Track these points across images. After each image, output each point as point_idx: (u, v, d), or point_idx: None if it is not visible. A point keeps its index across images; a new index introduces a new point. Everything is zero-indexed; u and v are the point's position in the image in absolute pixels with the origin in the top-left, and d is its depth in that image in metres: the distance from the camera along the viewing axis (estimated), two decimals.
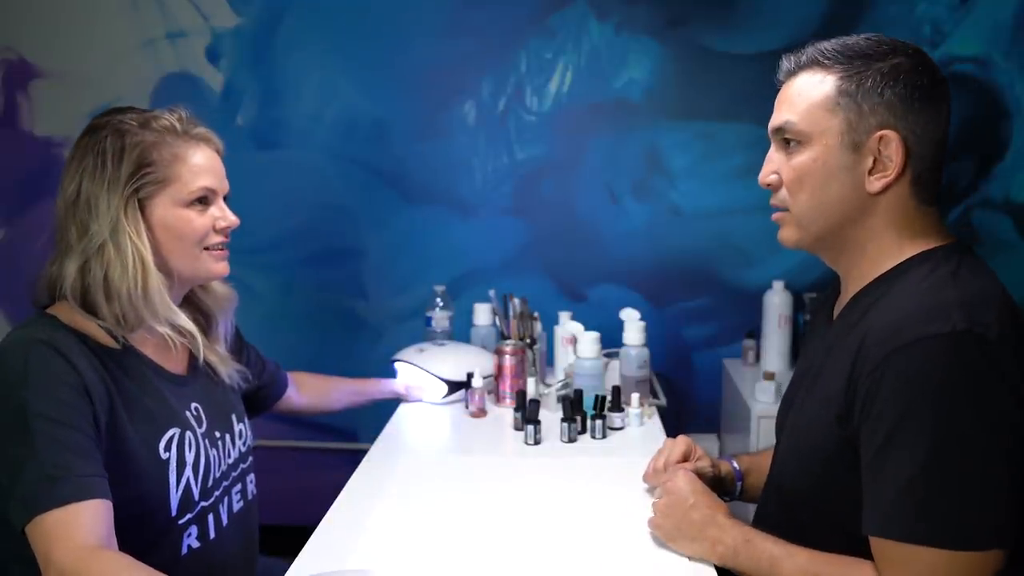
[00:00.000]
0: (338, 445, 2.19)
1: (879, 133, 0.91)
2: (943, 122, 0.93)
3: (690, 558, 0.98)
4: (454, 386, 1.65)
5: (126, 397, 1.02)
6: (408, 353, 1.72)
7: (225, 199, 1.15)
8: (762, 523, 1.04)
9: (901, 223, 0.94)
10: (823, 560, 0.91)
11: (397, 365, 1.73)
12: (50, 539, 0.88)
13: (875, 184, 0.92)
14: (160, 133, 1.07)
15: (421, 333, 1.88)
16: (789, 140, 0.96)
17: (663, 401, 1.83)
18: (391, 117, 2.11)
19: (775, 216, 1.01)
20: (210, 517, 1.11)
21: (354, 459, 1.39)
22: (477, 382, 1.57)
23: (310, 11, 2.09)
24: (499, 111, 2.11)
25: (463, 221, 2.14)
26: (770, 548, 0.93)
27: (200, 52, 2.11)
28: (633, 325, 1.60)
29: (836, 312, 1.02)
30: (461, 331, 1.90)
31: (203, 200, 1.10)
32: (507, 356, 1.61)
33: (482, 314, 1.85)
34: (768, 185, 1.00)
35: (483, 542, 1.05)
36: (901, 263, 0.93)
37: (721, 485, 1.20)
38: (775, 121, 0.98)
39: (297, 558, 1.00)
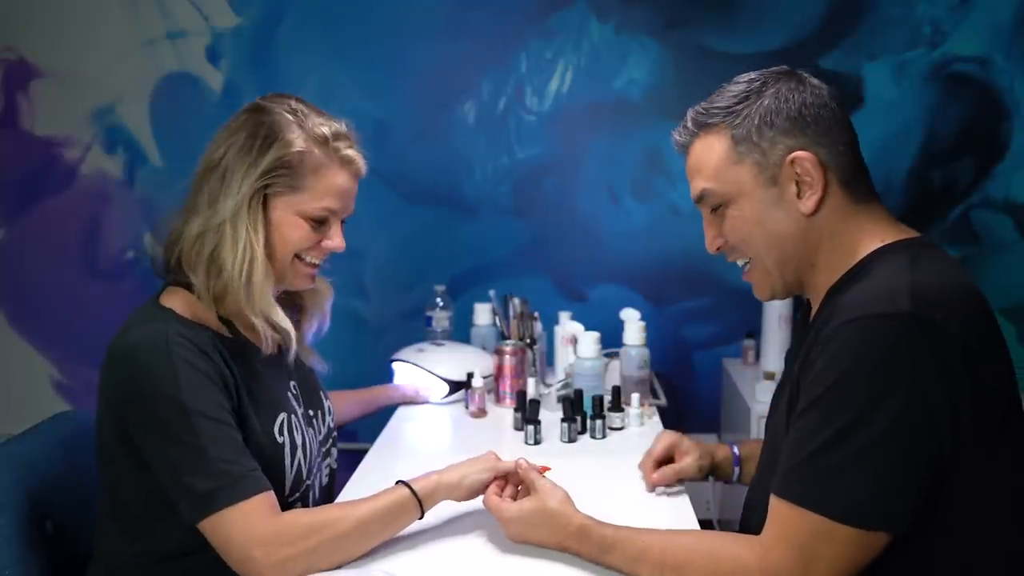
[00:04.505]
0: (338, 445, 2.19)
1: (789, 157, 0.92)
2: (845, 124, 0.95)
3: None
4: (454, 386, 1.65)
5: (246, 386, 1.05)
6: (407, 353, 1.72)
7: (343, 221, 1.15)
8: (748, 527, 1.04)
9: (849, 228, 0.94)
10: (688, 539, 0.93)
11: (396, 365, 1.73)
12: (240, 527, 0.93)
13: (808, 204, 0.93)
14: (311, 141, 1.08)
15: (421, 333, 1.88)
16: (715, 205, 0.99)
17: (663, 401, 1.83)
18: (391, 117, 2.11)
19: (745, 275, 1.04)
20: (309, 494, 1.15)
21: (354, 459, 1.39)
22: (477, 382, 1.57)
23: (310, 11, 2.09)
24: (499, 111, 2.10)
25: (463, 221, 2.14)
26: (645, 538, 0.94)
27: (200, 52, 2.11)
28: (633, 325, 1.60)
29: (811, 318, 1.02)
30: (461, 331, 1.90)
31: (322, 220, 1.11)
32: (507, 356, 1.61)
33: (482, 314, 1.85)
34: (718, 250, 1.03)
35: (483, 542, 1.05)
36: (862, 260, 0.93)
37: (719, 470, 1.23)
38: (694, 192, 1.01)
39: None
